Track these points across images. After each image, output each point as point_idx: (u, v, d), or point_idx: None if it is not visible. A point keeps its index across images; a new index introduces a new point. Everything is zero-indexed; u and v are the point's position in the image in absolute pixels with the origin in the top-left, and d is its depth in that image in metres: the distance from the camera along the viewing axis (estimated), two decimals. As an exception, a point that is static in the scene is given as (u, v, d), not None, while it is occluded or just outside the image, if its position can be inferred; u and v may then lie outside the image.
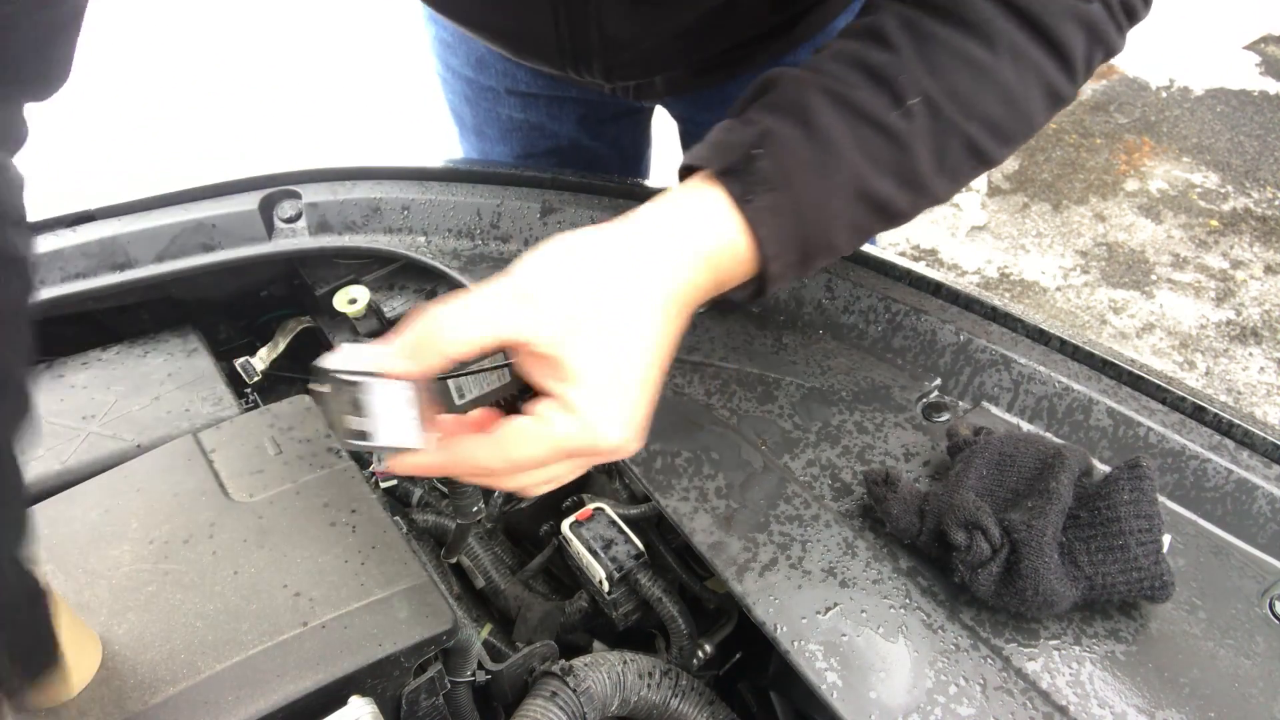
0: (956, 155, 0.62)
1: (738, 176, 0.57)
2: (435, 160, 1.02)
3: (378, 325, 0.95)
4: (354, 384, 0.51)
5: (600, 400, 0.52)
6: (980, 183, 3.23)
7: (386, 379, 0.51)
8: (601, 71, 0.92)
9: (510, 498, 1.00)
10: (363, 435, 0.51)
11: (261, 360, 0.90)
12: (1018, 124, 0.64)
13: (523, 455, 0.52)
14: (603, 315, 0.52)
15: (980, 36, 0.61)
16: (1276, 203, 3.13)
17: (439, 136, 1.41)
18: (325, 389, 0.51)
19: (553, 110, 1.18)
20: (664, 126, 1.30)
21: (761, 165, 0.57)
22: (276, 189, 0.97)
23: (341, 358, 0.51)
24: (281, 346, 0.92)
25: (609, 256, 0.54)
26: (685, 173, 0.61)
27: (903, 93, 0.59)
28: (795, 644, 0.62)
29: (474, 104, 1.22)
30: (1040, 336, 0.81)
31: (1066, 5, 0.61)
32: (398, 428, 0.51)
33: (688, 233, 0.56)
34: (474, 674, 0.69)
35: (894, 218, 0.63)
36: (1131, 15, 0.65)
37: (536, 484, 0.55)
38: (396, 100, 3.52)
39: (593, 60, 0.90)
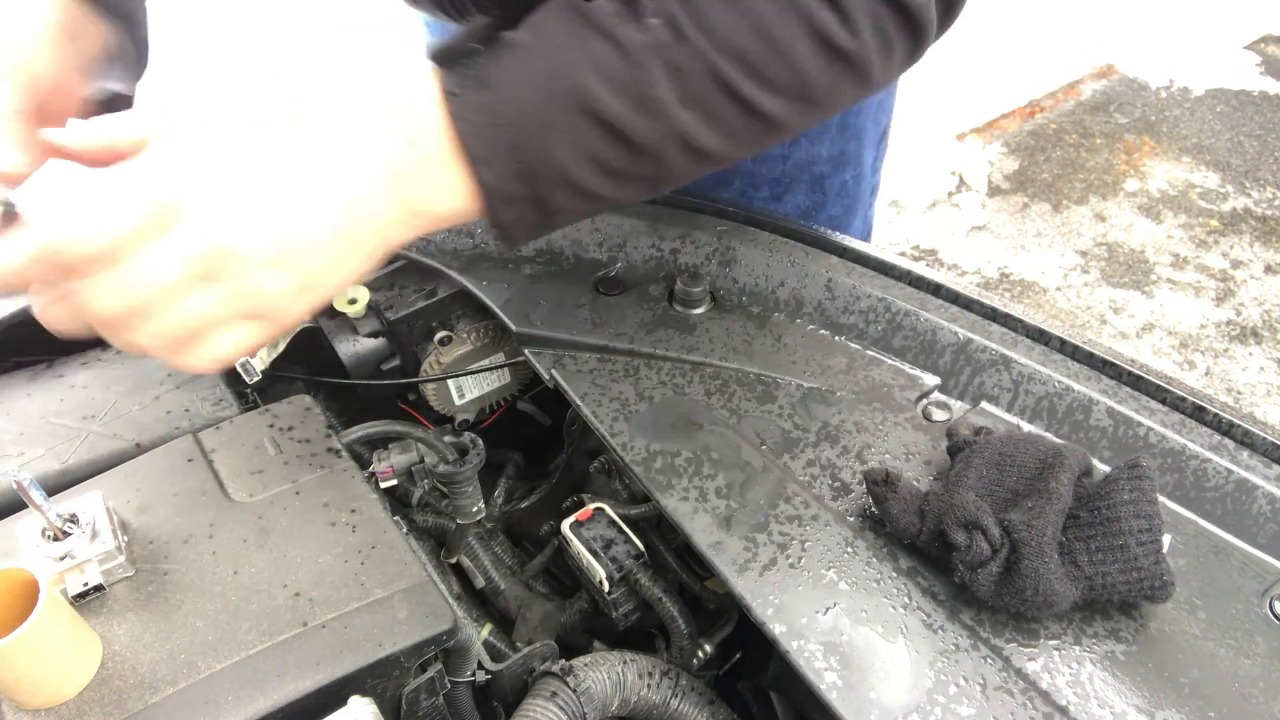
0: (701, 84, 0.57)
1: (452, 70, 0.54)
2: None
3: (378, 325, 0.95)
4: None
5: (187, 145, 0.48)
6: (980, 183, 3.23)
7: None
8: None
9: (510, 498, 1.00)
10: None
11: (261, 360, 0.89)
12: (779, 66, 0.58)
13: (112, 211, 0.47)
14: (210, 105, 0.50)
15: None
16: (1276, 203, 3.13)
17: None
18: None
19: None
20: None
21: (480, 62, 0.54)
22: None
23: None
24: (281, 347, 0.92)
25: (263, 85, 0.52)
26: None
27: (642, 9, 0.55)
28: (795, 644, 0.62)
29: None
30: (1040, 336, 0.81)
31: None
32: None
33: (378, 89, 0.54)
34: (474, 674, 0.69)
35: (636, 149, 0.57)
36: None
37: (156, 306, 0.49)
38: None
39: None
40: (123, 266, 0.48)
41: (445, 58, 0.55)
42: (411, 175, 0.54)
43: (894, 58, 0.61)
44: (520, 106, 0.54)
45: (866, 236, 1.26)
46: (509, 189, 0.55)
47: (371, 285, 0.97)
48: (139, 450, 0.77)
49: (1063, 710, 0.58)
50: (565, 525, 0.80)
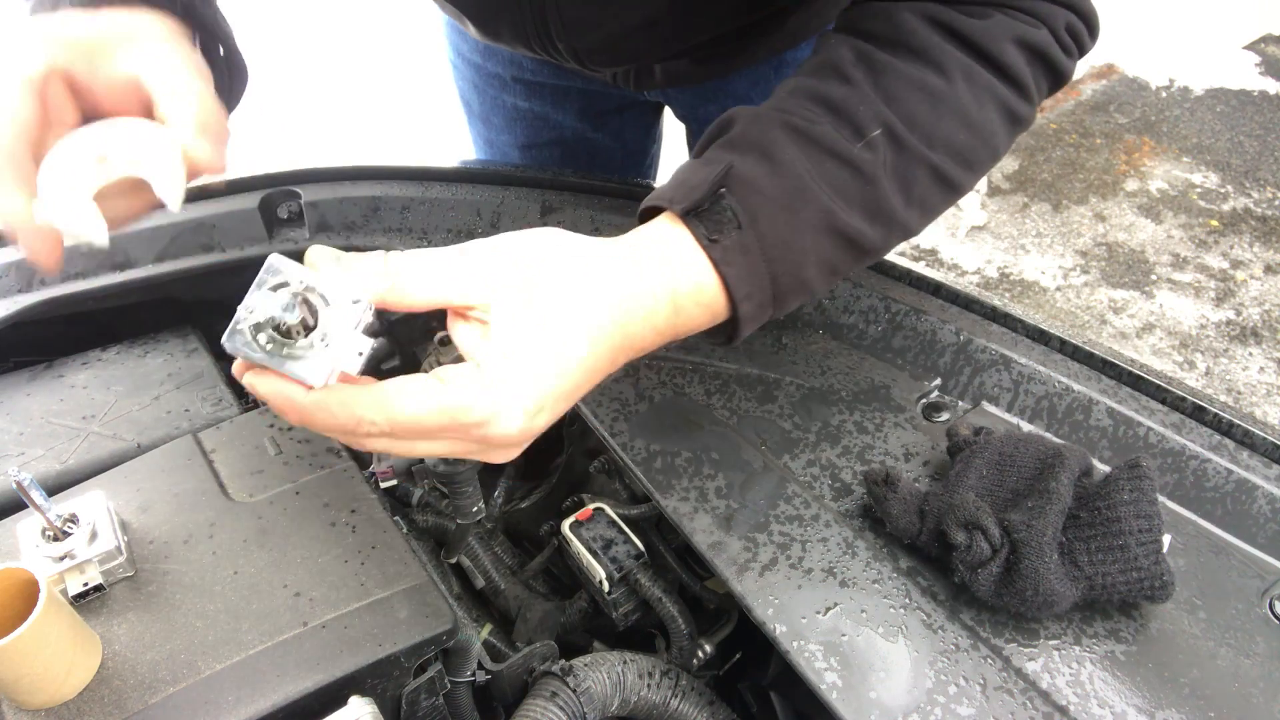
0: (924, 184, 0.62)
1: (702, 216, 0.56)
2: (437, 157, 1.02)
3: (378, 325, 0.95)
4: (311, 293, 0.48)
5: (511, 373, 0.48)
6: (980, 182, 3.23)
7: (345, 298, 0.49)
8: (570, 54, 0.91)
9: (510, 498, 1.00)
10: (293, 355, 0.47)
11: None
12: (981, 148, 0.64)
13: (406, 414, 0.47)
14: (550, 310, 0.50)
15: (932, 64, 0.61)
16: (1276, 203, 3.13)
17: (449, 125, 1.41)
18: (271, 287, 0.47)
19: (557, 99, 1.18)
20: (672, 127, 1.30)
21: (726, 204, 0.56)
22: (277, 189, 0.97)
23: (292, 267, 0.48)
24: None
25: (578, 264, 0.52)
26: (650, 213, 0.59)
27: (863, 125, 0.59)
28: (795, 644, 0.62)
29: (481, 91, 1.22)
30: (1040, 336, 0.81)
31: (1007, 30, 0.62)
32: (340, 349, 0.48)
33: (655, 269, 0.55)
34: (474, 674, 0.69)
35: (866, 253, 0.62)
36: (1080, 45, 0.68)
37: (409, 451, 0.50)
38: (405, 92, 3.52)
39: (557, 41, 0.89)
40: (413, 444, 0.49)
41: (681, 198, 0.56)
42: (679, 329, 0.57)
43: None
44: (777, 238, 0.57)
45: None
46: (759, 312, 0.59)
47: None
48: (139, 450, 0.77)
49: (1063, 710, 0.58)
50: (565, 525, 0.80)
